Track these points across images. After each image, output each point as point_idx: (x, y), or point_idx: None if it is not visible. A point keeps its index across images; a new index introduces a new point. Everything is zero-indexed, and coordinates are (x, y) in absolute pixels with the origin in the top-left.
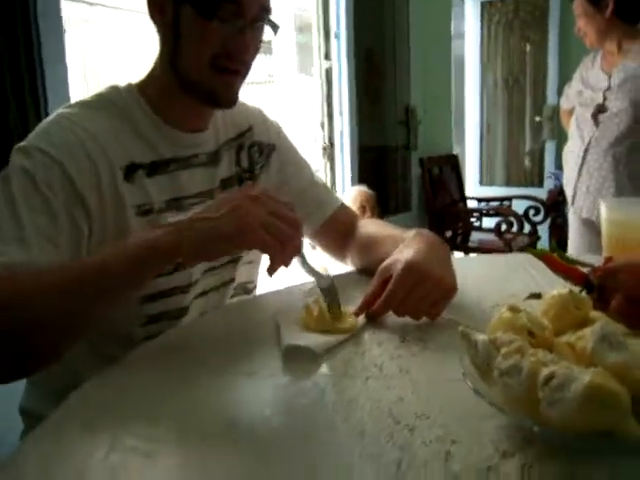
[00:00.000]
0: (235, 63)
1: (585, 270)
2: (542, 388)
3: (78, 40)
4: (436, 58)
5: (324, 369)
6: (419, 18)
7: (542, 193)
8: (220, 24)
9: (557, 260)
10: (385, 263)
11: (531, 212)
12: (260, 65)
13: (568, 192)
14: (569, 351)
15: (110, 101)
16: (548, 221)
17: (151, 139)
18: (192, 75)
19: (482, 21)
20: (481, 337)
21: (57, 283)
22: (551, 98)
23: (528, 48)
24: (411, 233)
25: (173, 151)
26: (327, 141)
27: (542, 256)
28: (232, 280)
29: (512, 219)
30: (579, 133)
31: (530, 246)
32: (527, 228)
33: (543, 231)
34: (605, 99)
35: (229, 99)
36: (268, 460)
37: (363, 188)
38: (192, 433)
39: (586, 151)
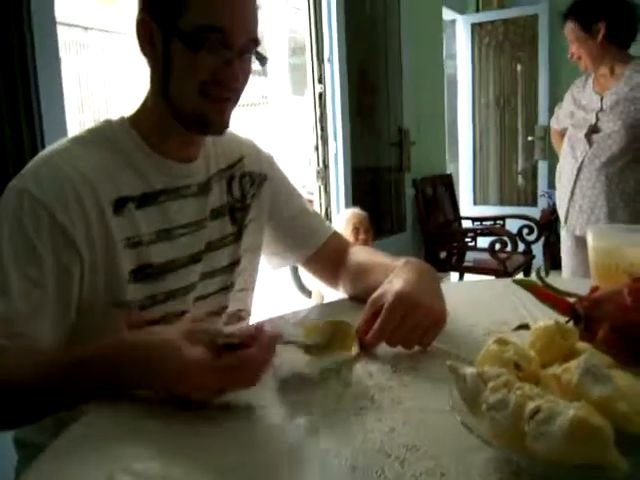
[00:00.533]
0: (224, 91)
1: (571, 300)
2: (528, 422)
3: (74, 64)
4: (429, 79)
5: (316, 402)
6: (411, 39)
7: (535, 212)
8: (208, 55)
9: (543, 290)
10: (375, 294)
11: (525, 231)
12: (254, 87)
13: (561, 211)
14: (555, 384)
15: (102, 135)
16: (542, 240)
17: (142, 170)
18: (183, 103)
19: (473, 42)
20: (469, 371)
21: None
22: (542, 118)
23: (519, 68)
24: (401, 262)
25: (164, 182)
26: (321, 164)
27: (528, 287)
28: (225, 308)
29: (506, 238)
30: (572, 153)
31: (525, 264)
32: (521, 247)
33: (537, 250)
34: (598, 120)
35: (220, 125)
36: None
37: (357, 210)
38: (191, 468)
39: (579, 170)
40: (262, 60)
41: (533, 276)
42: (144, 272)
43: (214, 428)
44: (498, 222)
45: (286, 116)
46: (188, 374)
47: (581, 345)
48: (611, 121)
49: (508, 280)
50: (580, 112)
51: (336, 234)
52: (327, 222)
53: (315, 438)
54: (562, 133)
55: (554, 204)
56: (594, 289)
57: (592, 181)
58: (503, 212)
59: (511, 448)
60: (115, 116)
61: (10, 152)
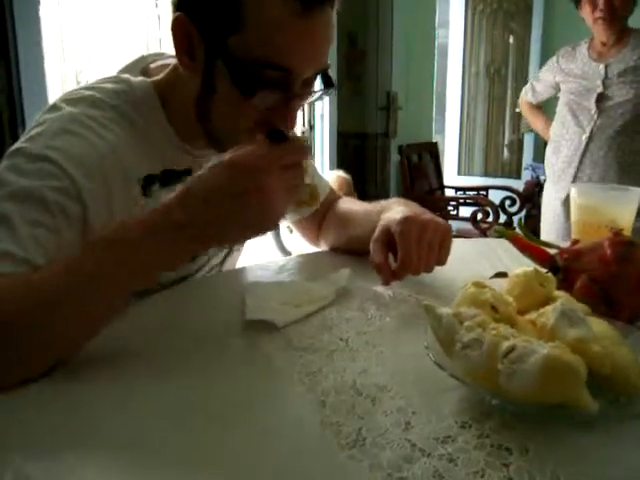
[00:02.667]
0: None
1: (551, 252)
2: (502, 360)
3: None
4: (419, 45)
5: (290, 341)
6: (404, 4)
7: (519, 185)
8: (262, 96)
9: (524, 240)
10: (379, 230)
11: (507, 202)
12: None
13: (563, 181)
14: (530, 327)
15: (123, 99)
16: (524, 212)
17: (164, 150)
18: (222, 134)
19: (467, 10)
20: (445, 311)
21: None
22: None
23: (511, 39)
24: (386, 201)
25: (186, 163)
26: (307, 125)
27: (510, 236)
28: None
29: (488, 209)
30: (575, 121)
31: None
32: (503, 218)
33: (517, 222)
34: (606, 88)
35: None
36: (230, 428)
37: (341, 173)
38: (153, 412)
39: (589, 139)
40: (329, 86)
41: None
42: None
43: (183, 368)
44: (481, 192)
45: None
46: (242, 169)
47: (558, 293)
48: (622, 89)
49: (489, 239)
50: (578, 81)
51: (332, 191)
52: (324, 177)
53: (286, 377)
54: (537, 106)
55: (538, 177)
56: (574, 242)
57: (604, 150)
58: (487, 183)
59: (484, 387)
60: (126, 68)
61: None
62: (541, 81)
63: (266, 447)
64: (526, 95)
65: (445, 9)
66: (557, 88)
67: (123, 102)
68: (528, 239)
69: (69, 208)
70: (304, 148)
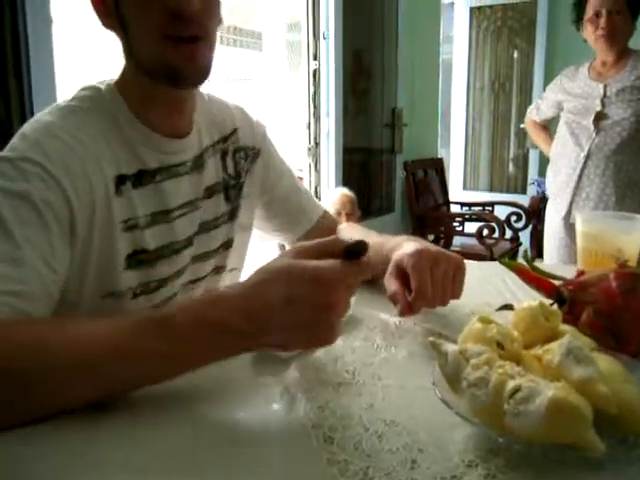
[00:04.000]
0: (186, 27)
1: (557, 283)
2: (508, 400)
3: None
4: (424, 61)
5: (296, 374)
6: (408, 21)
7: (524, 200)
8: None
9: (529, 272)
10: (393, 265)
11: (513, 218)
12: (247, 61)
13: (559, 199)
14: (536, 364)
15: (95, 103)
16: (529, 228)
17: (137, 147)
18: (147, 55)
19: (471, 26)
20: (451, 348)
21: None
22: None
23: (515, 55)
24: (395, 240)
25: (159, 160)
26: (312, 141)
27: (514, 268)
28: (221, 268)
29: (494, 224)
30: (574, 140)
31: (512, 251)
32: (509, 234)
33: (524, 237)
34: (604, 107)
35: (194, 72)
36: (237, 465)
37: (344, 190)
38: (155, 445)
39: (587, 157)
40: None
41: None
42: (138, 258)
43: (186, 403)
44: (487, 208)
45: (280, 92)
46: (323, 281)
47: (564, 327)
48: (620, 108)
49: (494, 263)
50: (578, 100)
51: (326, 213)
52: (316, 200)
53: (292, 412)
54: (542, 125)
55: (544, 192)
56: (580, 273)
57: (601, 168)
58: (492, 198)
59: (490, 426)
60: (98, 81)
61: None
62: (545, 100)
63: None
64: (531, 113)
65: (449, 25)
66: (560, 107)
67: (94, 105)
68: (533, 271)
69: (56, 206)
70: (372, 268)
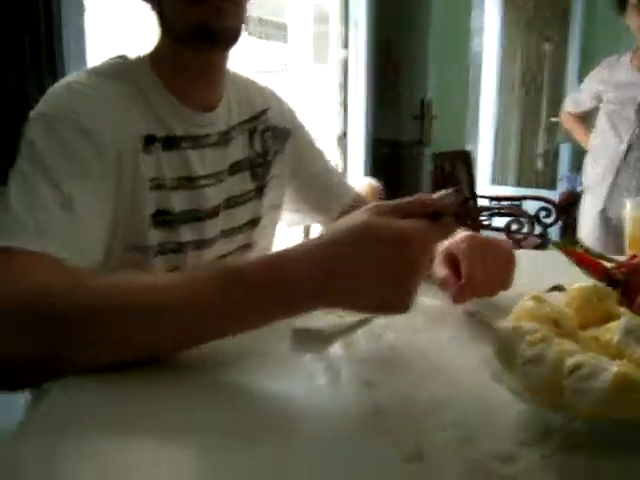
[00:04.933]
0: None
1: (609, 265)
2: (567, 377)
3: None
4: (454, 54)
5: (338, 351)
6: (439, 11)
7: (554, 195)
8: None
9: (581, 254)
10: (441, 254)
11: (542, 213)
12: (274, 53)
13: (599, 192)
14: (593, 344)
15: (123, 72)
16: (559, 223)
17: (163, 115)
18: (178, 20)
19: (502, 17)
20: (504, 325)
21: (136, 303)
22: None
23: (547, 46)
24: None
25: (185, 129)
26: (341, 131)
27: (565, 249)
28: (249, 245)
29: (523, 220)
30: (614, 131)
31: (541, 247)
32: (538, 229)
33: (553, 233)
34: None
35: (223, 29)
36: (284, 438)
37: (372, 181)
38: (200, 421)
39: (628, 149)
40: None
41: None
42: (162, 218)
43: (228, 379)
44: (515, 203)
45: (307, 84)
46: (409, 242)
47: (618, 309)
48: None
49: (541, 252)
50: (619, 91)
51: (360, 195)
52: (349, 182)
53: (337, 387)
54: (579, 116)
55: (574, 188)
56: (633, 257)
57: None
58: (521, 193)
59: (546, 404)
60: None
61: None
62: (583, 91)
63: (319, 456)
64: (567, 105)
65: (480, 17)
66: (599, 99)
67: (122, 71)
68: (585, 252)
69: (90, 156)
70: (454, 228)
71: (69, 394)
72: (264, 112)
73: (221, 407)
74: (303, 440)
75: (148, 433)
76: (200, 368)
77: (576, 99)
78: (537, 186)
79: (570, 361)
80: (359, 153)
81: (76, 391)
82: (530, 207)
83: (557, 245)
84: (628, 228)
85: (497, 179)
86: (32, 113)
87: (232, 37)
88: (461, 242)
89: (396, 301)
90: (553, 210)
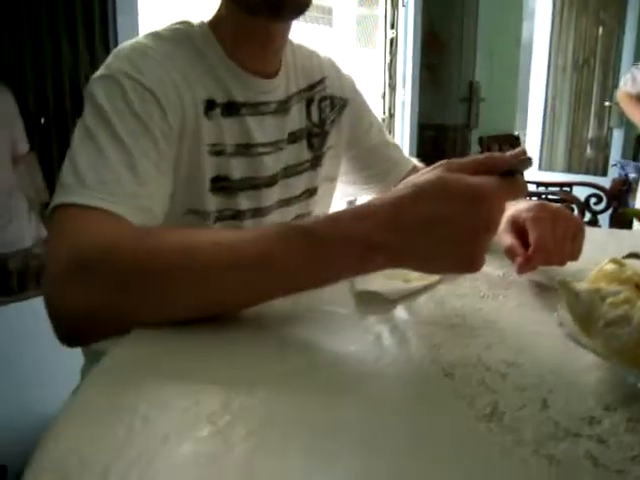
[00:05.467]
0: None
1: None
2: None
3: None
4: (504, 36)
5: (403, 314)
6: None
7: (605, 182)
8: None
9: None
10: (507, 221)
11: (592, 200)
12: (318, 35)
13: None
14: None
15: (185, 36)
16: (610, 211)
17: (224, 81)
18: None
19: (555, 0)
20: (584, 286)
21: (208, 260)
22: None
23: (601, 29)
24: None
25: (245, 96)
26: (387, 112)
27: (637, 216)
28: (305, 216)
29: (573, 206)
30: None
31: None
32: (587, 217)
33: (604, 221)
34: None
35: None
36: (357, 399)
37: (416, 162)
38: (266, 375)
39: None
40: None
41: None
42: (221, 185)
43: (294, 331)
44: (565, 189)
45: (351, 67)
46: (482, 198)
47: None
48: None
49: (596, 229)
50: None
51: (416, 167)
52: (405, 154)
53: (405, 349)
54: (636, 97)
55: (627, 174)
56: None
57: None
58: (570, 179)
59: (632, 366)
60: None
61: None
62: None
63: (392, 416)
64: (625, 85)
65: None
66: None
67: (184, 36)
68: None
69: (155, 116)
70: (526, 187)
71: (132, 349)
72: (322, 81)
73: (288, 363)
74: (374, 401)
75: (215, 385)
76: (265, 325)
77: (635, 78)
78: (587, 172)
79: None
80: (405, 135)
81: (140, 345)
82: (580, 193)
83: (630, 212)
84: None
85: (545, 165)
86: (96, 73)
87: (301, 7)
88: (529, 210)
89: (467, 259)
90: (604, 197)
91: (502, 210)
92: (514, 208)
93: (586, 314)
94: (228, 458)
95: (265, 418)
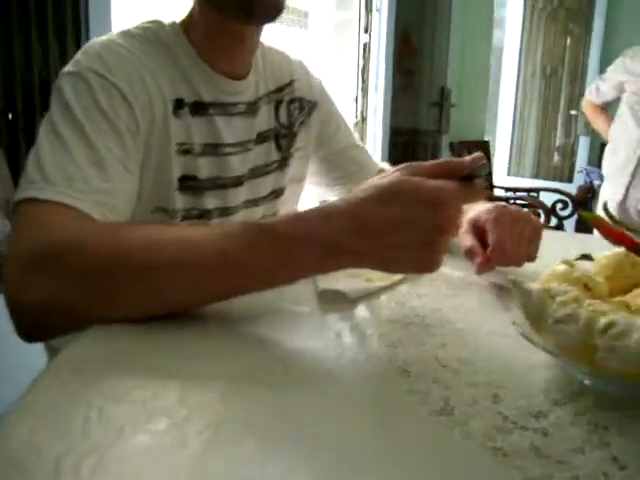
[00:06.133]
0: None
1: (637, 238)
2: (600, 336)
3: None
4: (475, 43)
5: (364, 313)
6: (462, 1)
7: (571, 189)
8: None
9: (609, 226)
10: (468, 222)
11: (559, 206)
12: (294, 39)
13: (619, 182)
14: (624, 310)
15: (156, 36)
16: (575, 217)
17: (193, 80)
18: None
19: (525, 9)
20: (535, 286)
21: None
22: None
23: (569, 40)
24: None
25: (214, 96)
26: (359, 116)
27: (594, 220)
28: (271, 216)
29: (539, 211)
30: (636, 122)
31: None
32: (553, 222)
33: (569, 226)
34: None
35: (265, 3)
36: (314, 395)
37: (386, 166)
38: (225, 371)
39: None
40: None
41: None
42: (188, 184)
43: (254, 328)
44: (532, 194)
45: (326, 71)
46: (441, 202)
47: None
48: None
49: (553, 232)
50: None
51: (383, 171)
52: (373, 157)
53: (364, 347)
54: (600, 107)
55: (592, 181)
56: None
57: None
58: (537, 185)
59: (578, 363)
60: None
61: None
62: (606, 81)
63: (348, 410)
64: (590, 95)
65: (502, 8)
66: (621, 89)
67: (155, 35)
68: (614, 224)
69: (122, 114)
70: (484, 191)
71: (91, 343)
72: (291, 83)
73: (248, 358)
74: (330, 395)
75: (172, 380)
76: (227, 321)
77: (598, 89)
78: (554, 179)
79: (603, 320)
80: (377, 139)
81: (99, 340)
82: (547, 199)
83: (585, 215)
84: None
85: (514, 170)
86: (65, 69)
87: (275, 11)
88: (489, 212)
89: (426, 260)
90: (570, 203)
91: (460, 213)
92: (475, 210)
93: (537, 312)
94: (182, 451)
95: (221, 413)
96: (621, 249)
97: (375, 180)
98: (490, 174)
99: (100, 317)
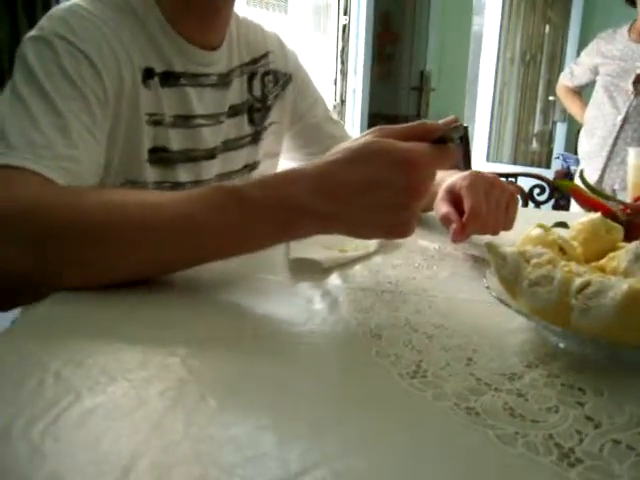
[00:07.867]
0: None
1: (613, 206)
2: (575, 296)
3: None
4: (455, 28)
5: (335, 280)
6: None
7: (548, 174)
8: None
9: (585, 194)
10: (444, 189)
11: (536, 191)
12: (274, 23)
13: (595, 163)
14: (600, 273)
15: (126, 3)
16: (552, 202)
17: (164, 50)
18: None
19: None
20: (509, 249)
21: (135, 219)
22: None
23: (547, 27)
24: (444, 173)
25: (185, 66)
26: (338, 99)
27: (569, 188)
28: None
29: (518, 196)
30: (611, 103)
31: None
32: (531, 206)
33: (546, 210)
34: None
35: None
36: (281, 358)
37: None
38: (193, 336)
39: (624, 120)
40: None
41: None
42: (159, 156)
43: (226, 296)
44: (510, 179)
45: (305, 55)
46: (413, 164)
47: (623, 244)
48: None
49: (531, 209)
50: (616, 62)
51: None
52: (350, 132)
53: (335, 312)
54: (575, 90)
55: (569, 167)
56: (637, 198)
57: (639, 132)
58: (515, 171)
59: (554, 324)
60: None
61: None
62: (580, 64)
63: (318, 375)
64: (564, 79)
65: None
66: (596, 72)
67: (125, 1)
68: (590, 192)
69: (89, 80)
70: (457, 154)
71: (49, 309)
72: (266, 55)
73: (214, 324)
74: (301, 361)
75: (134, 345)
76: (194, 289)
77: (573, 72)
78: (532, 165)
79: (578, 280)
80: (356, 123)
81: (57, 305)
82: (524, 184)
83: (560, 184)
84: (630, 175)
85: (492, 156)
86: (29, 34)
87: None
88: (464, 179)
89: (398, 224)
90: (547, 188)
91: (432, 176)
92: (450, 178)
93: (512, 275)
94: (141, 412)
95: (183, 375)
96: (597, 215)
97: (346, 143)
98: (469, 160)
99: (60, 283)
